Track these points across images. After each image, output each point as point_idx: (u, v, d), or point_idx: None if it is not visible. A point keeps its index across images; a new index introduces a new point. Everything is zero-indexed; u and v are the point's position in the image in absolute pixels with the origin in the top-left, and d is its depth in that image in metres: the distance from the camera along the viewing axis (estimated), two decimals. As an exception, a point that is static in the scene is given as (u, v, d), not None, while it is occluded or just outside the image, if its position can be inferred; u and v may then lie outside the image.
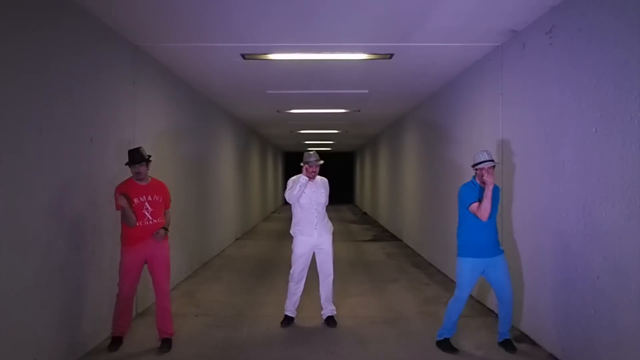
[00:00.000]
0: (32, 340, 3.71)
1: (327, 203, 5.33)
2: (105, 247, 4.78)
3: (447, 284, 7.22)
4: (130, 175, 4.54)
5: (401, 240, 12.06)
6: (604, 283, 3.70)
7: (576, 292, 4.04)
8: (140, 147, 4.54)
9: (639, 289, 3.33)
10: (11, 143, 3.45)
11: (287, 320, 5.31)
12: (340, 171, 26.74)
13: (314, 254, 5.28)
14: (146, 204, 4.44)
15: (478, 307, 5.93)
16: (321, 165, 5.18)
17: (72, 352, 4.25)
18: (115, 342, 4.56)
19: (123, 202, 4.29)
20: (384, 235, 13.50)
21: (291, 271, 5.27)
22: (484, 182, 4.32)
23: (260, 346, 4.72)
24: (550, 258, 4.45)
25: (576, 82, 4.03)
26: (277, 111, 10.87)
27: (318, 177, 5.29)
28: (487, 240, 4.39)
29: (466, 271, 4.42)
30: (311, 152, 5.20)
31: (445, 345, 4.57)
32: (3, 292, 3.37)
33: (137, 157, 4.42)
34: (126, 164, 4.48)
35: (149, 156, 4.56)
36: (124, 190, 4.41)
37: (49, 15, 3.91)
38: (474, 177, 4.47)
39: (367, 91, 8.57)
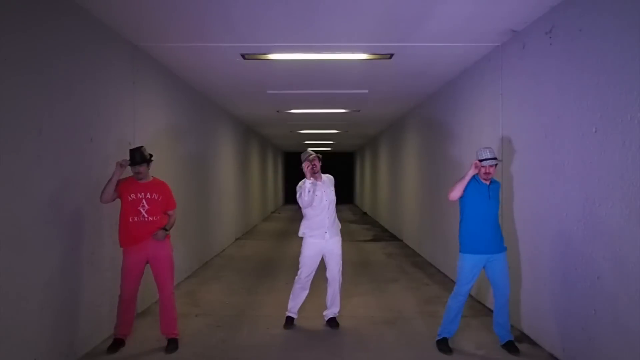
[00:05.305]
0: (32, 341, 3.71)
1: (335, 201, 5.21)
2: (105, 247, 4.78)
3: (447, 284, 7.21)
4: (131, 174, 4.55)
5: (401, 240, 12.06)
6: (604, 283, 3.70)
7: (576, 292, 4.04)
8: (142, 147, 4.53)
9: (639, 288, 3.33)
10: (11, 143, 3.45)
11: (289, 322, 5.25)
12: (340, 171, 26.72)
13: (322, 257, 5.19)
14: (143, 201, 4.44)
15: (478, 307, 5.93)
16: (322, 162, 5.09)
17: (72, 352, 4.24)
18: (116, 344, 4.50)
19: (117, 171, 4.34)
20: (384, 235, 13.50)
21: (298, 273, 5.17)
22: (484, 179, 4.38)
23: (260, 346, 4.72)
24: (550, 258, 4.45)
25: (576, 82, 4.03)
26: (277, 111, 10.87)
27: (324, 176, 5.19)
28: (488, 236, 4.40)
29: (466, 267, 4.44)
30: (305, 151, 5.16)
31: (441, 344, 4.57)
32: (3, 292, 3.37)
33: (137, 158, 4.43)
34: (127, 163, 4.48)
35: (150, 155, 4.56)
36: (125, 186, 4.45)
37: (49, 15, 3.91)
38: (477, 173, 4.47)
39: (367, 91, 8.56)
